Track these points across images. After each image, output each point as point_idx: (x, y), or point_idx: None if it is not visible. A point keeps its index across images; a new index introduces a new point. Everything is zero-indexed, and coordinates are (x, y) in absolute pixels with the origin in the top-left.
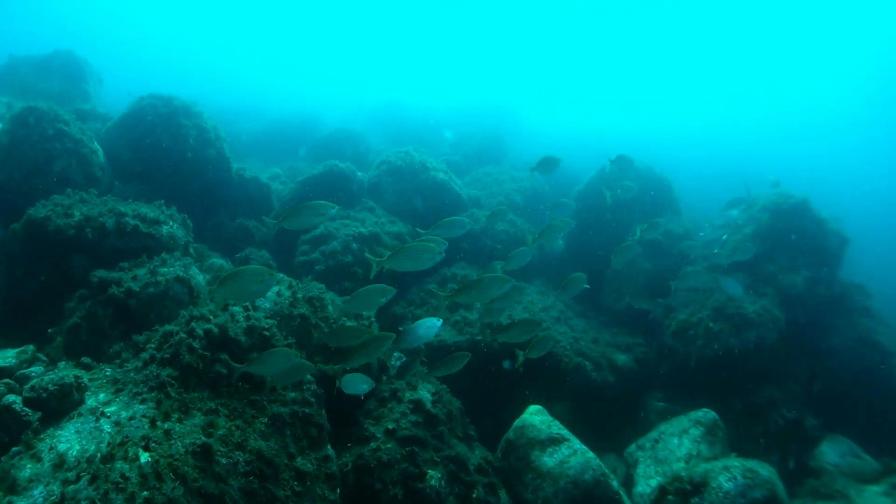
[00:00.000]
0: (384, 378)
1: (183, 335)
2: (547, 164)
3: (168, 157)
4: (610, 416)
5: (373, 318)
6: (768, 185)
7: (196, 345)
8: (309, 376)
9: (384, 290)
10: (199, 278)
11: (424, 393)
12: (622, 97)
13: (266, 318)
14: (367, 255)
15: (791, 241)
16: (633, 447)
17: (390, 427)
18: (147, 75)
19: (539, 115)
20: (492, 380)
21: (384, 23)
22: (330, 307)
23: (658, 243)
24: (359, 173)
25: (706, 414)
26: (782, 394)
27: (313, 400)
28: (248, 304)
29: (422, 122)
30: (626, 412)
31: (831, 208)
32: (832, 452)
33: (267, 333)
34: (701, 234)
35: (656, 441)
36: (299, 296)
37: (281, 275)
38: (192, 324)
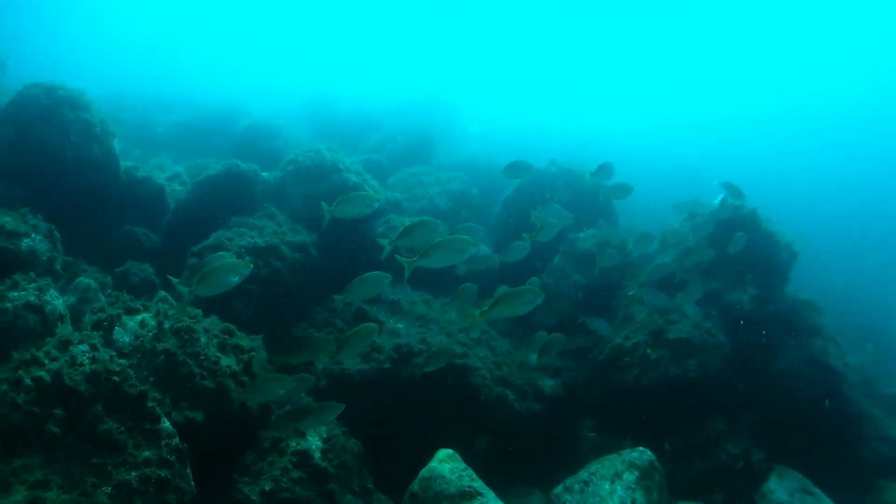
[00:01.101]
0: (272, 419)
1: (6, 387)
2: (516, 169)
3: (47, 155)
4: (538, 448)
5: (254, 351)
6: (716, 186)
7: (21, 399)
8: (170, 427)
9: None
10: (58, 303)
11: (314, 440)
12: (568, 95)
13: (123, 355)
14: (397, 256)
15: (737, 256)
16: (560, 488)
17: (268, 488)
18: (73, 60)
19: (481, 112)
20: (404, 414)
21: (325, 5)
22: (202, 338)
23: (592, 255)
24: (264, 174)
25: (642, 455)
26: (727, 426)
27: (173, 458)
28: (97, 341)
29: (355, 116)
30: (555, 443)
31: (781, 214)
32: (781, 490)
33: (117, 378)
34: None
35: (586, 483)
36: (166, 326)
37: (162, 292)
38: (20, 371)
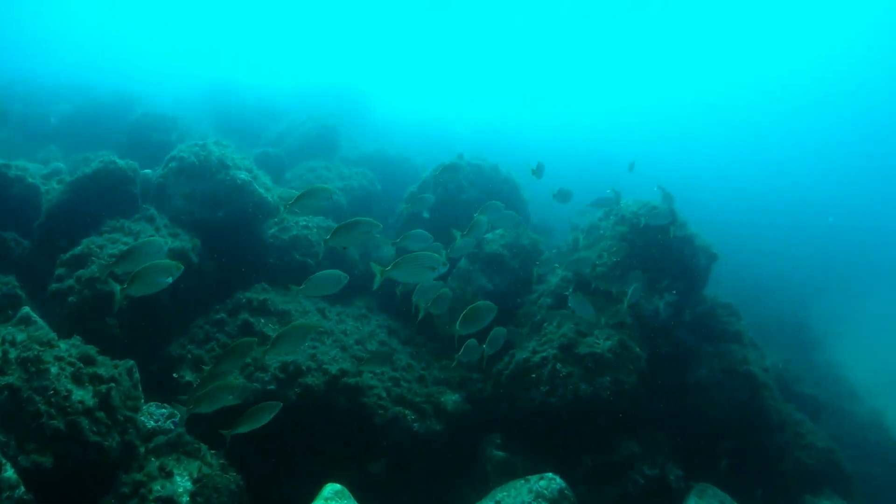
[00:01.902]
0: (141, 454)
1: None
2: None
3: None
4: (440, 468)
5: (115, 381)
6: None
7: None
8: (14, 475)
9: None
10: None
11: (182, 481)
12: (484, 87)
13: None
14: (371, 264)
15: (653, 261)
16: None
17: None
18: None
19: (395, 102)
20: (293, 441)
21: None
22: (53, 369)
23: (500, 258)
24: (147, 171)
25: (550, 483)
26: (643, 447)
27: None
28: None
29: (259, 105)
30: (459, 462)
31: (699, 208)
32: None
33: None
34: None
35: None
36: (12, 356)
37: (26, 309)
38: None
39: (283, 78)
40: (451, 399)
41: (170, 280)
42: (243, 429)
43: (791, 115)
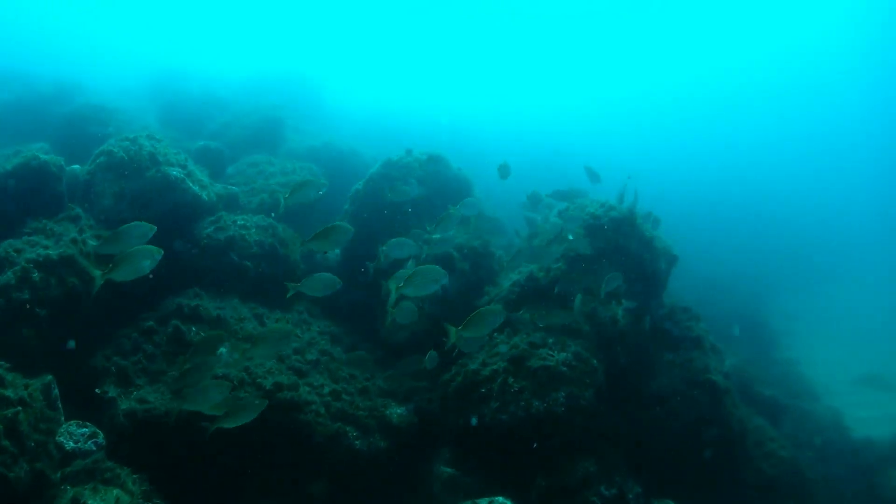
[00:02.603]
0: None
1: None
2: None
3: None
4: (386, 487)
5: (22, 405)
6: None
7: None
8: None
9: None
10: None
11: None
12: (448, 79)
13: None
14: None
15: (611, 264)
16: None
17: None
18: None
19: (350, 92)
20: (225, 462)
21: None
22: None
23: (450, 260)
24: (75, 167)
25: None
26: (599, 465)
27: None
28: None
29: (204, 95)
30: (406, 480)
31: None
32: None
33: None
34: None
35: None
36: None
37: None
38: None
39: (234, 65)
40: (396, 412)
41: (150, 265)
42: (229, 423)
43: (742, 110)
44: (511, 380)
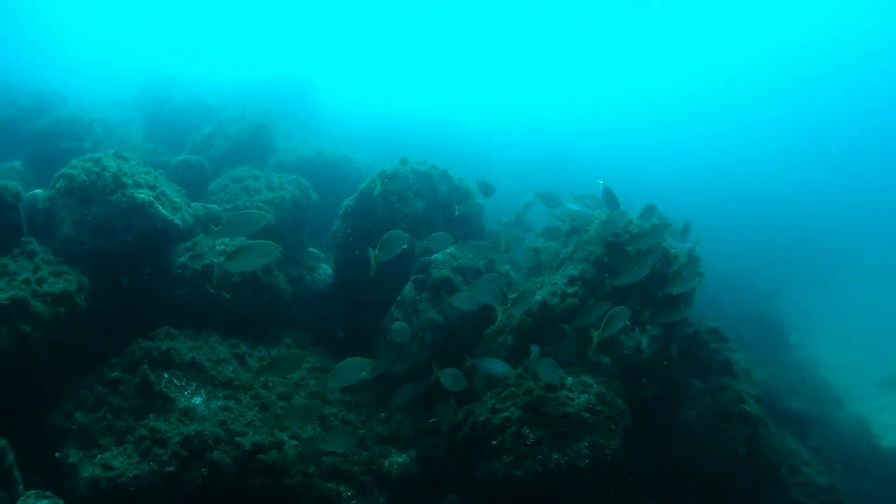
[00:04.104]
0: None
1: None
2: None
3: None
4: None
5: None
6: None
7: None
8: None
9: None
10: None
11: None
12: (447, 80)
13: None
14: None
15: (632, 287)
16: None
17: None
18: None
19: (346, 94)
20: None
21: None
22: None
23: (451, 284)
24: (36, 192)
25: None
26: None
27: None
28: None
29: (192, 103)
30: None
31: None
32: None
33: None
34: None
35: None
36: None
37: None
38: None
39: (227, 71)
40: (396, 462)
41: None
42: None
43: (748, 107)
44: (526, 430)
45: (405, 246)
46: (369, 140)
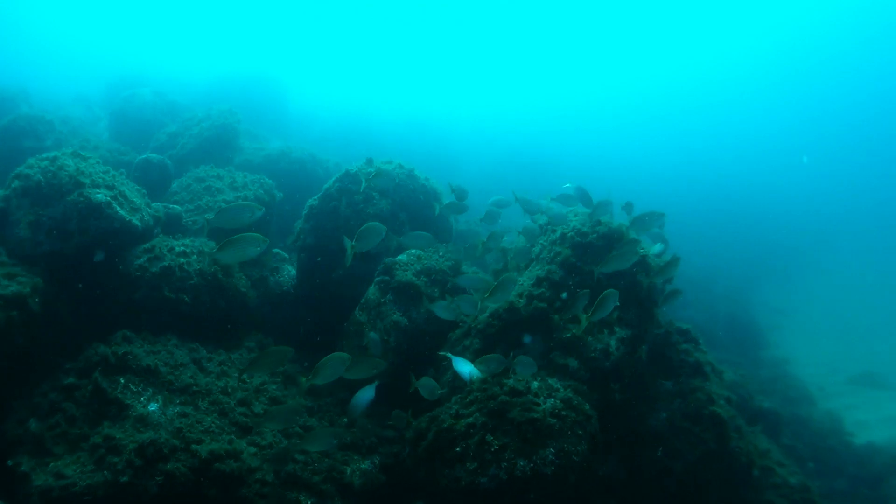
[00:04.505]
0: None
1: None
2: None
3: None
4: None
5: None
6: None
7: None
8: None
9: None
10: None
11: None
12: (419, 78)
13: None
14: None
15: (600, 288)
16: None
17: None
18: None
19: (315, 92)
20: None
21: None
22: None
23: (415, 289)
24: None
25: None
26: None
27: None
28: None
29: (159, 101)
30: None
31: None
32: None
33: None
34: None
35: None
36: None
37: None
38: None
39: (197, 69)
40: (358, 469)
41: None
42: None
43: (719, 108)
44: (490, 437)
45: (383, 237)
46: (340, 140)
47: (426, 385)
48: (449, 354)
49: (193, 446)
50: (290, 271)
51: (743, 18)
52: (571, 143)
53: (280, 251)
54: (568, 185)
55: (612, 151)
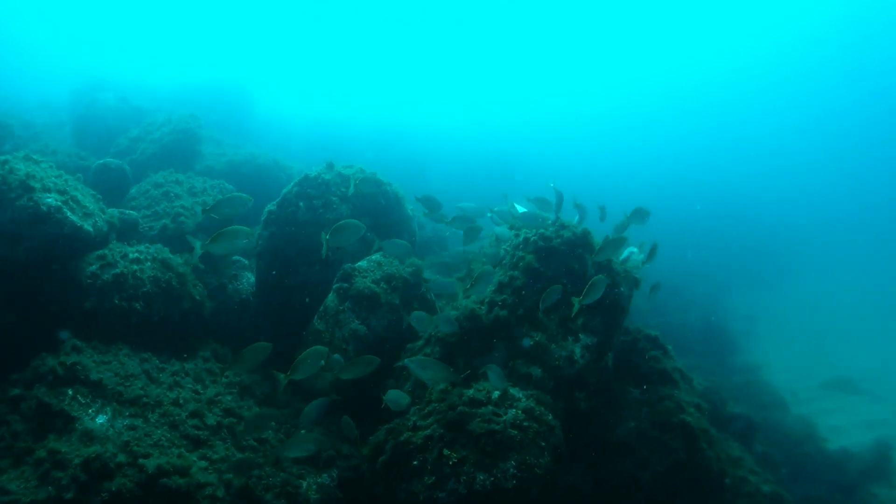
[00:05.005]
0: None
1: None
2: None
3: None
4: None
5: None
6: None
7: None
8: None
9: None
10: None
11: None
12: (390, 86)
13: None
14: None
15: (564, 294)
16: None
17: None
18: None
19: (283, 100)
20: None
21: None
22: None
23: (375, 297)
24: None
25: None
26: None
27: None
28: None
29: (121, 107)
30: None
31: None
32: None
33: None
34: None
35: None
36: None
37: None
38: None
39: (163, 74)
40: (315, 483)
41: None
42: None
43: (691, 115)
44: (447, 451)
45: (361, 235)
46: (307, 147)
47: (393, 399)
48: (407, 362)
49: (141, 460)
50: (249, 278)
51: (702, 30)
52: (547, 151)
53: (240, 258)
54: (552, 184)
55: (584, 158)
